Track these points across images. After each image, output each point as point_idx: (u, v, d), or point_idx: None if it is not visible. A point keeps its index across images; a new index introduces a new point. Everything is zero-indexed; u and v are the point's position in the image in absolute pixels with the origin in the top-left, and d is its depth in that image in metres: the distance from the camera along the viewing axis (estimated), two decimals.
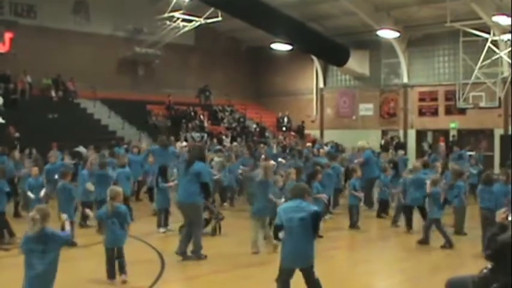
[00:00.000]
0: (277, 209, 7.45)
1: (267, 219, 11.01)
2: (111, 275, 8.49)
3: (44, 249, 6.20)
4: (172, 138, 27.25)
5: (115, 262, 8.50)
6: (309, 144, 28.48)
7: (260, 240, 10.94)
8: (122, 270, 8.51)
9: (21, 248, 6.35)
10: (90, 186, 13.23)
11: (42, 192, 12.71)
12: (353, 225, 13.82)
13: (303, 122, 36.05)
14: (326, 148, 24.50)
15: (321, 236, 10.98)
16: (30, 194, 12.80)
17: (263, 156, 19.79)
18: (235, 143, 27.89)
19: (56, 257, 6.37)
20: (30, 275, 6.22)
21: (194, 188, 10.14)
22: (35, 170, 13.35)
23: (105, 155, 18.44)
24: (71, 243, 7.13)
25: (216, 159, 18.80)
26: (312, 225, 6.79)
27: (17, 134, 24.10)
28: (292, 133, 35.08)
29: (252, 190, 15.54)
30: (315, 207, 7.01)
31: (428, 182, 12.40)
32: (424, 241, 11.76)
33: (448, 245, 11.47)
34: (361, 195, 14.61)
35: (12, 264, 9.91)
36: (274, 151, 24.24)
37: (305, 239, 6.80)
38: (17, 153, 18.01)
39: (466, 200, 13.73)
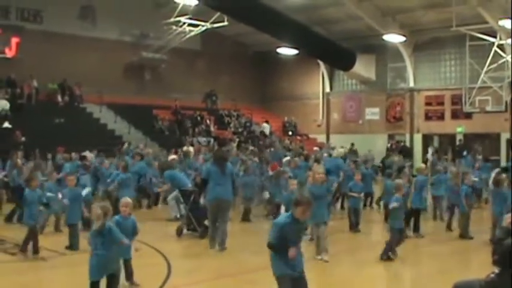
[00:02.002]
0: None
1: (322, 227, 10.27)
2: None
3: (104, 242, 6.88)
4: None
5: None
6: (316, 148, 28.50)
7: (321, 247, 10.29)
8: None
9: (88, 242, 7.01)
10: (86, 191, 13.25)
11: (60, 195, 12.75)
12: (352, 227, 13.79)
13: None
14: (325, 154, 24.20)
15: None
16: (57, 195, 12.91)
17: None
18: (251, 148, 27.61)
19: (114, 248, 6.99)
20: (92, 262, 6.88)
21: (232, 187, 11.40)
22: (54, 175, 13.41)
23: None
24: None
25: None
26: None
27: (23, 139, 24.15)
28: (298, 137, 35.05)
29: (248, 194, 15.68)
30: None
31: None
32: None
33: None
34: (360, 196, 14.58)
35: (14, 269, 9.95)
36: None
37: None
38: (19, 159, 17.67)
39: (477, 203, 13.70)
